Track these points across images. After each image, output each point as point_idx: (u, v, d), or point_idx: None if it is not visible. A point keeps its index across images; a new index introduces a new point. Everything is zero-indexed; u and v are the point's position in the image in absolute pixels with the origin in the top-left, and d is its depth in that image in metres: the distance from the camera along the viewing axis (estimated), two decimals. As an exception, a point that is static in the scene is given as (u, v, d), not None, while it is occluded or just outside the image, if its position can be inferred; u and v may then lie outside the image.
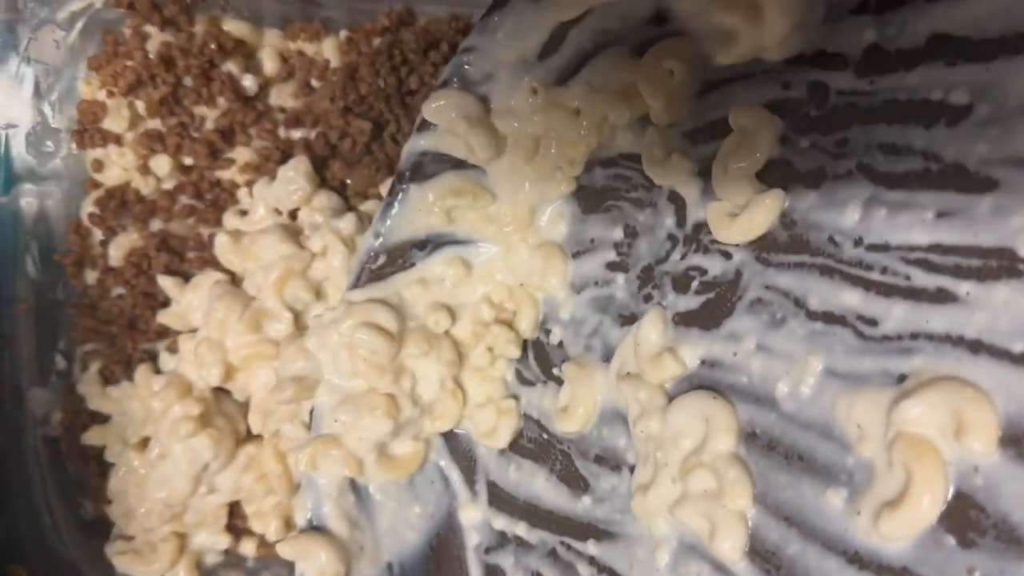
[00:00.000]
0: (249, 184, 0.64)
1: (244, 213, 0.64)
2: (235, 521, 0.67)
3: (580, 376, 0.50)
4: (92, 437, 0.64)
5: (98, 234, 0.64)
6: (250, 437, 0.64)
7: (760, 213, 0.40)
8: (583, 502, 0.49)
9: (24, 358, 0.64)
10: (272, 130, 0.64)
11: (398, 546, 0.57)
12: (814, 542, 0.35)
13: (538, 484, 0.53)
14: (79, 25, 0.62)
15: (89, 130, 0.63)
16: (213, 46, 0.62)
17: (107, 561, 0.65)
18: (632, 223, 0.49)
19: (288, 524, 0.66)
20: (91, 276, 0.65)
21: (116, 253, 0.63)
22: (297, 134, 0.64)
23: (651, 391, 0.44)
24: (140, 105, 0.63)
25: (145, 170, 0.63)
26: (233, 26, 0.63)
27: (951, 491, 0.31)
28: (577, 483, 0.50)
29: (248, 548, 0.68)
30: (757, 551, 0.38)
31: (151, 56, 0.61)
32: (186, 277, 0.63)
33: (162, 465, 0.62)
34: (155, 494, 0.62)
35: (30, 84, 0.62)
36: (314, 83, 0.65)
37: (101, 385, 0.64)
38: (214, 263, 0.63)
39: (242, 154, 0.64)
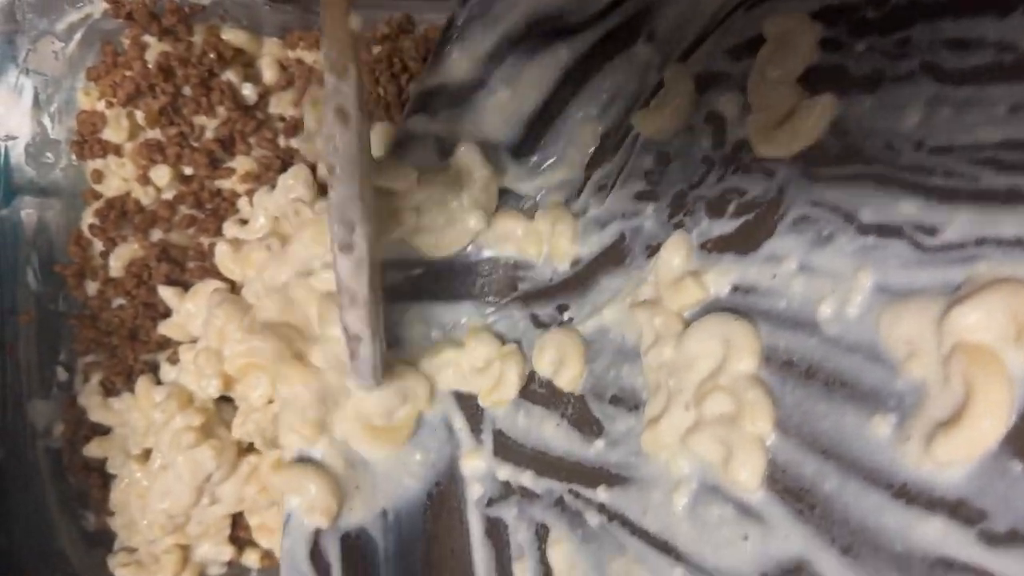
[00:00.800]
0: (249, 193, 0.63)
1: (244, 222, 0.63)
2: (238, 532, 0.67)
3: None
4: (94, 449, 0.63)
5: (98, 245, 0.64)
6: (252, 447, 0.64)
7: (808, 120, 0.38)
8: (595, 446, 0.47)
9: (25, 370, 0.64)
10: (272, 139, 0.64)
11: (395, 492, 0.53)
12: (856, 475, 0.33)
13: (548, 430, 0.51)
14: (78, 36, 0.61)
15: (89, 141, 0.63)
16: (212, 55, 0.62)
17: (110, 573, 0.65)
18: (665, 148, 0.47)
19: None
20: (92, 287, 0.64)
21: (116, 264, 0.63)
22: (297, 142, 0.64)
23: (668, 317, 0.42)
24: (139, 115, 0.62)
25: (145, 180, 0.63)
26: (232, 35, 0.63)
27: (1017, 410, 0.28)
28: (590, 427, 0.48)
29: (251, 559, 0.68)
30: (789, 489, 0.35)
31: (150, 66, 0.61)
32: (186, 287, 0.63)
33: (164, 476, 0.62)
34: (157, 505, 0.61)
35: (29, 95, 0.62)
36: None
37: (102, 396, 0.64)
38: (214, 273, 0.63)
39: (242, 163, 0.64)
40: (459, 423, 0.54)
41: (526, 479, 0.51)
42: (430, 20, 0.64)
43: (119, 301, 0.64)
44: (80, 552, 0.66)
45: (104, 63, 0.62)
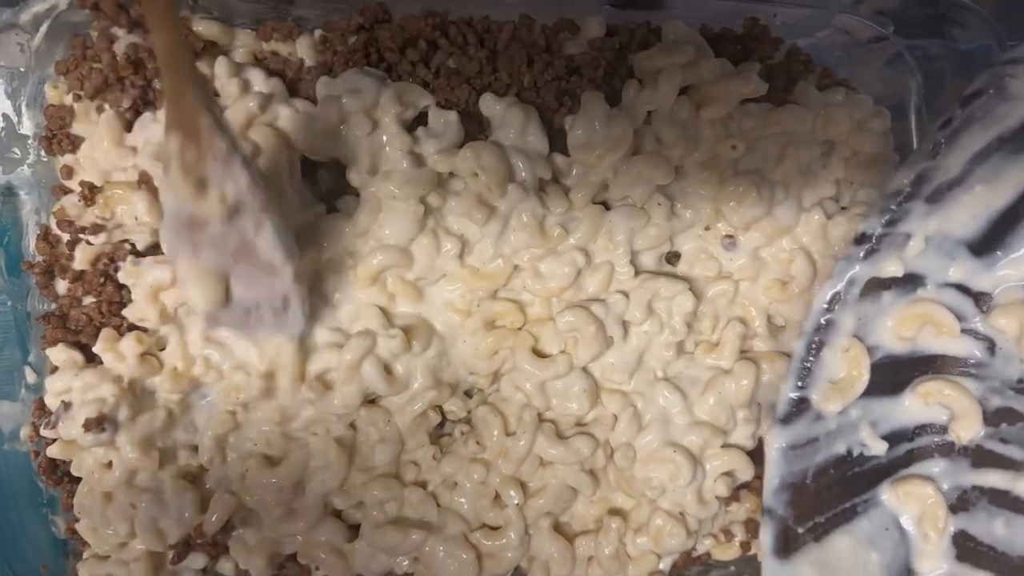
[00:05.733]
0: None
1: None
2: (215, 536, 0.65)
3: None
4: (58, 451, 0.61)
5: (66, 239, 0.62)
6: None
7: None
8: None
9: (-8, 371, 0.62)
10: (245, 131, 0.62)
11: None
12: None
13: None
14: (43, 28, 0.60)
15: (57, 135, 0.61)
16: (183, 47, 0.60)
17: (79, 581, 0.63)
18: None
19: (272, 563, 0.63)
20: (61, 286, 0.63)
21: (81, 256, 0.61)
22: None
23: None
24: (108, 108, 0.61)
25: (115, 175, 0.61)
26: (203, 27, 0.61)
27: None
28: None
29: (227, 568, 0.66)
30: None
31: (119, 59, 0.60)
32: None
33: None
34: (122, 511, 0.60)
35: (-4, 89, 0.61)
36: (289, 84, 0.63)
37: (70, 398, 0.62)
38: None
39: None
40: (910, 525, 0.57)
41: None
42: (405, 10, 0.62)
43: (89, 299, 0.62)
44: (49, 559, 0.64)
45: (73, 56, 0.61)
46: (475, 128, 0.63)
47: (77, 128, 0.61)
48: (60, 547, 0.65)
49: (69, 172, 0.62)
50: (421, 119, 0.62)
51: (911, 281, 0.59)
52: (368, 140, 0.60)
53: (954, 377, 0.58)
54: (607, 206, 0.64)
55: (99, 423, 0.58)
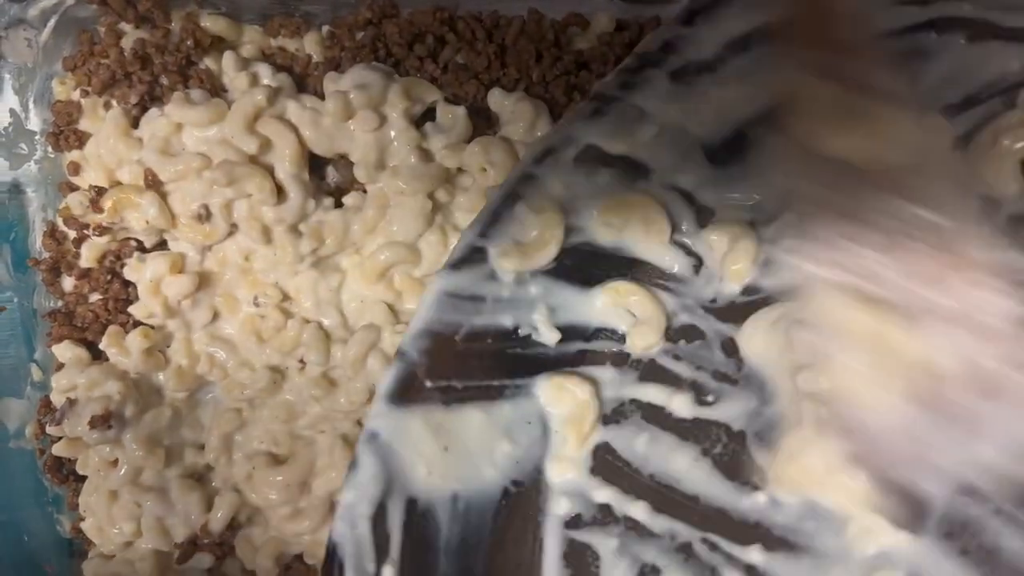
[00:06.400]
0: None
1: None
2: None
3: None
4: (63, 449, 0.61)
5: (72, 235, 0.62)
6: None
7: None
8: (755, 499, 0.44)
9: (-2, 368, 0.62)
10: (252, 127, 0.61)
11: (473, 476, 0.50)
12: None
13: (679, 464, 0.47)
14: (51, 23, 0.60)
15: (64, 131, 0.61)
16: (190, 43, 0.60)
17: (85, 581, 0.63)
18: None
19: (278, 563, 0.63)
20: (68, 283, 0.62)
21: (88, 254, 0.61)
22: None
23: None
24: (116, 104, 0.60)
25: (123, 172, 0.61)
26: (211, 22, 0.61)
27: None
28: (746, 475, 0.45)
29: (233, 568, 0.65)
30: None
31: (126, 54, 0.59)
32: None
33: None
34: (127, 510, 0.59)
35: (4, 85, 0.60)
36: (296, 79, 0.63)
37: (75, 395, 0.61)
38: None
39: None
40: (557, 425, 0.51)
41: (637, 511, 0.48)
42: (413, 5, 0.62)
43: (95, 296, 0.62)
44: (53, 559, 0.64)
45: (81, 52, 0.61)
46: (483, 123, 0.62)
47: (84, 124, 0.61)
48: (65, 546, 0.65)
49: (76, 169, 0.62)
50: (429, 114, 0.61)
51: (635, 169, 0.51)
52: (376, 135, 0.59)
53: (650, 286, 0.51)
54: (615, 202, 0.63)
55: (105, 420, 0.58)
